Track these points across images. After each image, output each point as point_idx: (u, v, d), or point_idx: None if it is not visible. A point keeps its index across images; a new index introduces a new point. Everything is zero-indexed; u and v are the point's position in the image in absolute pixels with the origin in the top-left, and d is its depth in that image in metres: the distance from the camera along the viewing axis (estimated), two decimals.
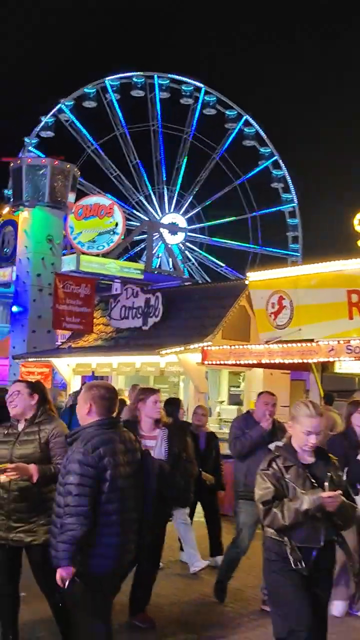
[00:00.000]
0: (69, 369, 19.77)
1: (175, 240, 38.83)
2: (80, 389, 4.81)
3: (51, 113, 38.47)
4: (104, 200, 26.97)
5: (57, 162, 24.74)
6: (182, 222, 41.57)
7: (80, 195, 33.68)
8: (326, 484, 4.10)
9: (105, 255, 25.63)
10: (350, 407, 6.99)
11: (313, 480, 4.13)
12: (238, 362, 13.80)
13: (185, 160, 41.97)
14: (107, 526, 4.22)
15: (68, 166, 24.64)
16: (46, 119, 38.42)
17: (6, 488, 4.91)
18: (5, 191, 25.08)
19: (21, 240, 23.78)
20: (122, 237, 26.77)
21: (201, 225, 42.74)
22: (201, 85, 40.41)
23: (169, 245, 35.66)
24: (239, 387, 17.94)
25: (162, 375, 17.86)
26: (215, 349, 14.29)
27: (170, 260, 35.44)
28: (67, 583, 4.12)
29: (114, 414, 4.53)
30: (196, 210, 42.46)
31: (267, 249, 41.97)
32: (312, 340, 12.55)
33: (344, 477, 5.50)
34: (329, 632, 4.40)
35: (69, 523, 4.10)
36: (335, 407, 12.08)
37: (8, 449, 4.99)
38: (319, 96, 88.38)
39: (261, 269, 16.69)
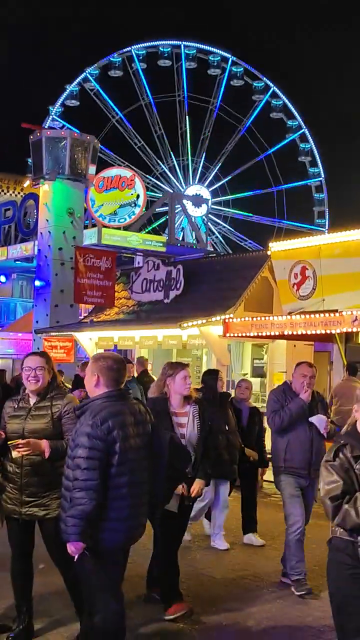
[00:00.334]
0: (92, 343, 19.78)
1: (198, 212, 38.43)
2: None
3: (76, 81, 38.18)
4: (125, 172, 26.80)
5: (76, 134, 24.62)
6: (206, 194, 41.12)
7: (105, 165, 33.68)
8: None
9: (126, 228, 25.52)
10: None
11: None
12: (260, 334, 13.71)
13: (210, 131, 41.45)
14: (117, 499, 4.18)
15: (88, 138, 24.48)
16: (71, 88, 38.13)
17: (18, 463, 4.89)
18: (28, 160, 24.91)
19: (42, 213, 23.76)
20: (144, 209, 26.60)
21: (226, 198, 42.33)
22: (228, 55, 39.78)
23: (192, 218, 35.43)
24: (262, 359, 17.82)
25: (185, 349, 17.80)
26: (237, 321, 14.20)
27: (193, 232, 35.26)
28: (76, 557, 4.11)
29: (122, 385, 4.45)
30: (221, 182, 42.03)
31: (293, 223, 41.52)
32: (335, 311, 12.41)
33: None
34: None
35: (79, 497, 4.06)
36: (358, 377, 11.97)
37: (20, 423, 4.95)
38: (349, 68, 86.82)
39: (284, 239, 16.50)
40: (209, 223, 38.93)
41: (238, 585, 6.00)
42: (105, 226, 25.01)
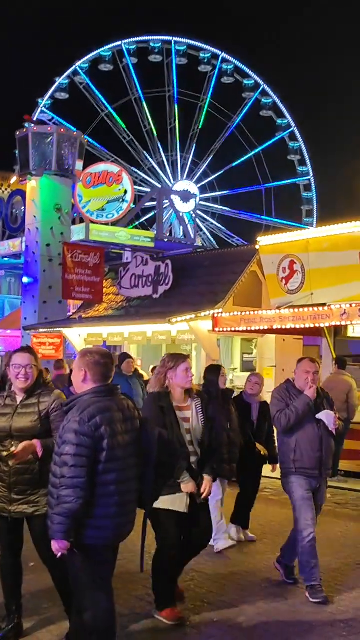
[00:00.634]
0: (81, 339, 19.73)
1: (186, 208, 38.32)
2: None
3: (65, 74, 38.01)
4: (113, 167, 26.66)
5: (63, 130, 24.49)
6: (194, 190, 41.04)
7: (94, 159, 33.58)
8: None
9: (115, 223, 25.41)
10: None
11: None
12: (250, 329, 13.71)
13: (200, 128, 41.35)
14: (105, 497, 4.12)
15: (75, 133, 24.36)
16: (60, 80, 37.92)
17: (4, 460, 4.83)
18: (16, 152, 24.72)
19: (29, 210, 23.61)
20: (132, 204, 26.51)
21: (214, 194, 42.26)
22: (219, 52, 39.65)
23: (180, 213, 35.35)
24: (251, 354, 17.83)
25: (174, 344, 17.77)
26: (226, 315, 14.18)
27: (181, 227, 35.21)
28: (61, 555, 4.07)
29: (110, 380, 4.39)
30: (210, 179, 41.97)
31: (281, 221, 41.48)
32: (324, 305, 12.42)
33: None
34: None
35: (65, 495, 4.00)
36: (348, 371, 11.99)
37: (7, 421, 4.89)
38: (341, 69, 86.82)
39: (272, 234, 16.48)
40: (197, 219, 38.87)
41: (229, 581, 5.97)
42: (93, 222, 24.87)
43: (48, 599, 5.50)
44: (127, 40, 38.48)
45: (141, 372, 13.44)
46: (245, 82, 40.27)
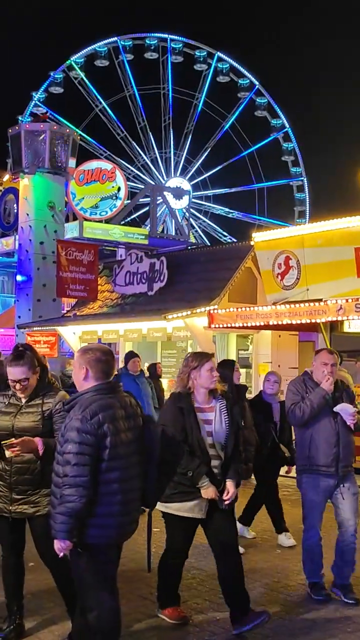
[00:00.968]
0: (75, 337, 19.66)
1: (179, 205, 38.34)
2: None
3: (60, 69, 37.82)
4: (106, 164, 26.56)
5: (56, 127, 24.44)
6: (187, 186, 40.95)
7: (87, 154, 33.50)
8: None
9: (108, 220, 25.33)
10: None
11: None
12: (245, 325, 13.71)
13: (194, 126, 41.26)
14: (108, 495, 4.07)
15: (67, 131, 24.35)
16: (55, 74, 37.74)
17: (8, 460, 4.78)
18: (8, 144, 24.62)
19: (22, 208, 23.57)
20: (125, 201, 26.44)
21: (207, 192, 42.25)
22: (214, 51, 39.56)
23: (174, 210, 35.31)
24: (247, 350, 17.78)
25: (170, 341, 17.74)
26: (222, 312, 14.17)
27: (173, 222, 35.18)
28: (63, 555, 4.03)
29: (112, 378, 4.35)
30: (203, 177, 41.90)
31: (273, 220, 41.42)
32: (320, 300, 12.42)
33: None
34: None
35: (68, 494, 3.95)
36: (344, 366, 11.96)
37: (10, 420, 4.83)
38: (338, 71, 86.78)
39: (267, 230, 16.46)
40: (190, 218, 38.87)
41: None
42: (86, 219, 24.79)
43: (49, 598, 5.46)
44: (123, 37, 38.33)
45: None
46: (240, 81, 40.14)
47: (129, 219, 35.28)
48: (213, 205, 42.40)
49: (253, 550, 7.44)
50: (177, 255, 20.38)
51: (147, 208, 36.66)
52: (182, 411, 5.08)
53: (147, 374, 12.63)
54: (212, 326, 14.25)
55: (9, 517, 4.87)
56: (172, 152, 41.05)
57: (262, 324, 13.55)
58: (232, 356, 18.52)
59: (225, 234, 42.60)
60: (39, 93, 37.59)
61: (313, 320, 12.30)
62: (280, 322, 13.01)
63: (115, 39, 38.18)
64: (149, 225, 30.55)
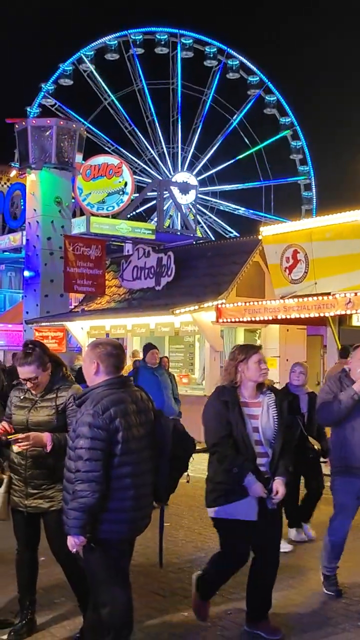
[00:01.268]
0: (83, 332, 19.68)
1: (185, 200, 38.33)
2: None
3: (70, 61, 37.81)
4: (112, 159, 26.56)
5: (62, 122, 24.39)
6: (193, 182, 40.90)
7: (95, 147, 33.48)
8: None
9: (115, 215, 25.32)
10: None
11: None
12: (253, 319, 13.65)
13: (202, 122, 41.12)
14: (120, 490, 4.05)
15: (74, 126, 24.28)
16: (64, 66, 37.74)
17: (23, 455, 4.78)
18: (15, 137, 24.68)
19: (30, 203, 23.56)
20: (132, 196, 26.41)
21: (213, 188, 42.15)
22: (225, 47, 39.44)
23: (180, 205, 35.27)
24: (255, 343, 17.77)
25: (177, 336, 17.73)
26: (229, 306, 14.12)
27: (179, 217, 35.10)
28: (76, 551, 4.01)
29: (122, 372, 4.32)
30: (210, 172, 41.84)
31: (279, 218, 41.27)
32: (328, 294, 12.35)
33: None
34: None
35: (81, 490, 3.93)
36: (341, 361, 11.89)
37: (24, 415, 4.82)
38: (348, 70, 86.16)
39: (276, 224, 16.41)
40: (197, 214, 38.80)
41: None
42: (93, 214, 24.81)
43: (61, 593, 5.44)
44: (133, 31, 38.26)
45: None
46: (249, 79, 39.99)
47: (134, 212, 35.22)
48: (220, 201, 42.32)
49: None
50: (184, 249, 20.36)
51: (153, 202, 36.61)
52: (226, 405, 4.84)
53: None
54: (219, 321, 14.20)
55: (24, 511, 4.87)
56: (179, 147, 41.02)
57: (270, 318, 13.49)
58: None
59: (231, 230, 42.52)
60: (47, 84, 37.54)
61: (321, 314, 12.24)
62: (288, 316, 12.95)
63: (125, 32, 38.11)
64: (156, 220, 30.53)
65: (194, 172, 41.37)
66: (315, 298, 12.32)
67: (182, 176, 40.61)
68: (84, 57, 37.90)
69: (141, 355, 15.90)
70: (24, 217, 24.26)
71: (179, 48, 39.27)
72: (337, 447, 5.70)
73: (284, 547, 6.90)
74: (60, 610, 5.33)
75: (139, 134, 40.26)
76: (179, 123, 40.94)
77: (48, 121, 24.33)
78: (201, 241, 27.75)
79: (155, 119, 40.48)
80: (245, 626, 5.12)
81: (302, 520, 7.59)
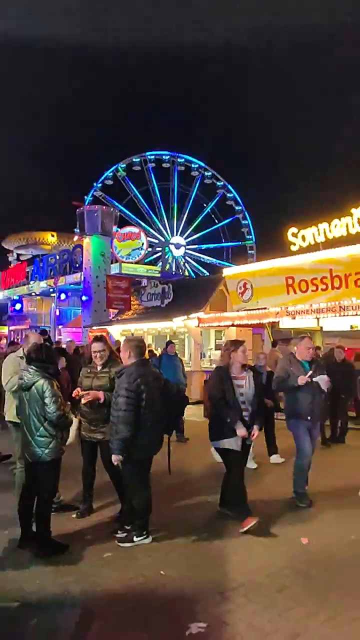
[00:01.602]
0: (118, 333, 19.57)
1: (178, 253, 38.43)
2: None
3: (111, 170, 37.92)
4: (134, 229, 26.42)
5: (105, 208, 24.30)
6: (183, 242, 40.88)
7: (125, 221, 33.39)
8: None
9: (137, 262, 25.25)
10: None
11: None
12: (220, 324, 13.63)
13: (189, 208, 41.28)
14: (144, 428, 4.04)
15: (112, 209, 24.24)
16: (107, 173, 37.98)
17: (88, 405, 4.72)
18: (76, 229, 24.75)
19: (85, 256, 23.46)
20: (146, 251, 26.33)
21: (195, 246, 42.20)
22: (203, 164, 39.95)
23: (174, 256, 35.18)
24: (221, 339, 17.72)
25: (174, 334, 17.67)
26: (206, 316, 14.07)
27: (174, 263, 35.02)
28: (117, 464, 4.00)
29: (144, 356, 4.29)
30: (193, 237, 41.89)
31: (234, 264, 40.87)
32: (265, 308, 12.34)
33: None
34: None
35: (121, 430, 3.91)
36: (278, 349, 11.85)
37: (89, 381, 4.79)
38: (284, 174, 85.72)
39: (234, 266, 16.37)
40: (186, 265, 38.86)
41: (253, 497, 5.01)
42: (123, 262, 24.70)
43: (108, 491, 5.33)
44: (149, 154, 38.69)
45: (155, 352, 13.28)
46: (217, 183, 40.19)
47: (147, 260, 35.18)
48: (198, 254, 42.26)
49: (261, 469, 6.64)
50: (178, 282, 20.31)
51: (159, 254, 36.59)
52: (222, 378, 4.62)
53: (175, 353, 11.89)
54: (200, 325, 14.18)
55: (88, 440, 4.81)
56: (175, 222, 40.95)
57: (230, 323, 13.49)
58: (212, 343, 18.46)
59: (205, 271, 42.42)
60: (97, 183, 37.66)
61: (260, 321, 12.23)
62: (241, 322, 12.95)
63: (145, 154, 38.45)
64: (160, 265, 30.38)
65: (184, 237, 41.26)
66: (257, 311, 12.31)
67: (176, 239, 40.48)
68: (119, 168, 37.87)
69: (153, 347, 15.92)
70: (82, 264, 24.15)
71: (176, 165, 39.53)
72: (291, 403, 5.28)
73: (251, 465, 6.44)
74: (108, 500, 5.27)
75: (151, 213, 40.22)
76: (175, 208, 40.94)
77: (96, 207, 24.27)
78: (187, 277, 27.67)
79: (161, 204, 40.50)
80: (219, 508, 4.93)
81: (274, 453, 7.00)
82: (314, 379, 5.16)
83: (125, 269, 24.16)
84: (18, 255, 37.80)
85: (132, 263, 25.00)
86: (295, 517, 4.84)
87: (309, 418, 5.21)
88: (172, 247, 34.12)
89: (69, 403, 4.53)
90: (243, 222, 41.34)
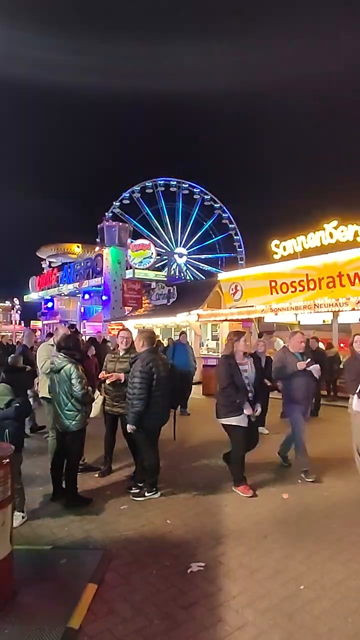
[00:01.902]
0: (132, 326, 19.52)
1: (181, 261, 38.40)
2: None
3: (127, 192, 38.15)
4: (146, 241, 26.30)
5: (121, 224, 24.25)
6: (185, 252, 40.96)
7: (137, 235, 33.55)
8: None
9: (147, 269, 25.21)
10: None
11: None
12: (215, 319, 13.59)
13: (190, 225, 41.24)
14: (155, 405, 4.04)
15: (127, 225, 24.17)
16: (124, 194, 38.18)
17: (111, 384, 4.72)
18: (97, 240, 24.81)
19: (105, 263, 23.40)
20: (155, 260, 26.26)
21: (195, 256, 42.24)
22: (203, 189, 40.08)
23: (178, 263, 35.07)
24: (216, 332, 17.67)
25: (178, 328, 17.61)
26: (204, 313, 14.03)
27: (178, 269, 34.87)
28: (133, 432, 4.00)
29: (155, 345, 4.29)
30: (194, 248, 41.93)
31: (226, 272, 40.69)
32: (252, 306, 12.30)
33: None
34: None
35: (136, 404, 3.92)
36: (263, 339, 11.77)
37: (113, 365, 4.79)
38: (276, 195, 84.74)
39: (227, 272, 16.33)
40: (187, 271, 38.88)
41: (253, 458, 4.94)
42: (136, 269, 24.64)
43: (125, 453, 5.28)
44: (159, 179, 38.83)
45: (163, 342, 13.18)
46: (215, 205, 40.37)
47: (155, 266, 35.16)
48: (198, 262, 42.30)
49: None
50: (181, 285, 20.25)
51: (165, 261, 36.65)
52: (229, 365, 4.40)
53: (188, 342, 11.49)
54: (199, 320, 14.15)
55: (110, 413, 4.80)
56: (179, 235, 40.98)
57: (224, 318, 13.46)
58: (209, 334, 18.40)
59: (202, 276, 42.38)
60: (116, 202, 37.83)
61: (249, 316, 12.20)
62: (232, 317, 12.92)
63: (156, 180, 38.56)
64: (166, 270, 30.30)
65: (186, 248, 41.23)
66: (246, 308, 12.28)
67: (179, 249, 40.45)
68: (135, 190, 38.13)
69: (160, 338, 15.88)
70: (102, 270, 24.12)
71: (181, 189, 39.63)
72: (287, 389, 4.95)
73: (263, 430, 6.31)
74: (124, 463, 5.25)
75: (159, 228, 40.24)
76: (179, 225, 40.94)
77: (114, 223, 24.23)
78: (189, 281, 27.60)
79: (168, 221, 40.57)
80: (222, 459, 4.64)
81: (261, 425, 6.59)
82: (307, 368, 4.94)
83: (138, 274, 24.08)
84: (50, 262, 37.79)
85: (143, 269, 24.92)
86: (278, 477, 4.86)
87: (304, 403, 4.97)
88: (176, 256, 34.12)
89: (98, 382, 4.49)
90: (235, 237, 41.48)
